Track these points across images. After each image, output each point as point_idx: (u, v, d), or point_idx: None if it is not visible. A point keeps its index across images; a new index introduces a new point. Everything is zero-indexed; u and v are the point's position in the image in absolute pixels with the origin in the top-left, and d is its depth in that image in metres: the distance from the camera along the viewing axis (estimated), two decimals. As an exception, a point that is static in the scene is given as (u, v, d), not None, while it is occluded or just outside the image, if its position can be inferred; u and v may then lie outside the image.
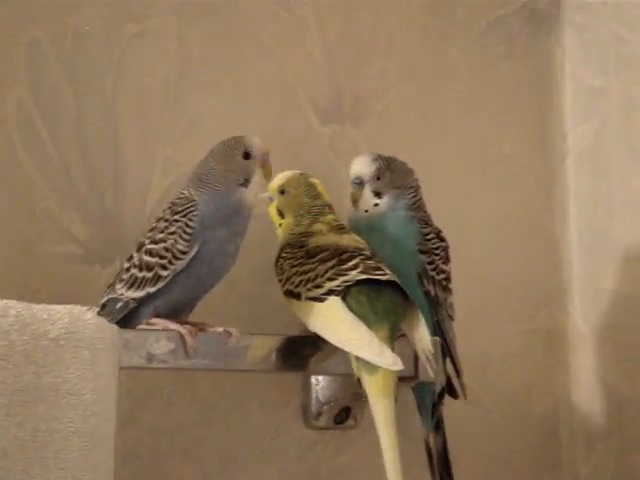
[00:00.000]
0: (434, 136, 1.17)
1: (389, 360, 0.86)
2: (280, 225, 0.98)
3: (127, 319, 0.88)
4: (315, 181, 0.98)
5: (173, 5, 1.02)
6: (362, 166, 1.02)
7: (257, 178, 0.91)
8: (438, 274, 1.00)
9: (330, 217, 0.96)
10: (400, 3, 1.16)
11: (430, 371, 0.91)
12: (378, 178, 1.01)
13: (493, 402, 1.16)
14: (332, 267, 0.90)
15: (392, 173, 1.01)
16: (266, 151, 0.92)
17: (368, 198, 1.01)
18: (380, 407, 0.87)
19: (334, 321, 0.88)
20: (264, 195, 0.97)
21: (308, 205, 0.97)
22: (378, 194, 1.01)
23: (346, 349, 0.88)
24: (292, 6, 1.09)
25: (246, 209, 0.90)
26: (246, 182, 0.90)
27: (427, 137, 1.16)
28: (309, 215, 0.96)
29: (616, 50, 1.21)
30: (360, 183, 1.01)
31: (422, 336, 0.91)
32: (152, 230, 0.89)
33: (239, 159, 0.91)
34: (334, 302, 0.88)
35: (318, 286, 0.89)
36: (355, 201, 1.01)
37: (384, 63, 1.14)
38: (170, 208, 0.89)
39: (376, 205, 1.01)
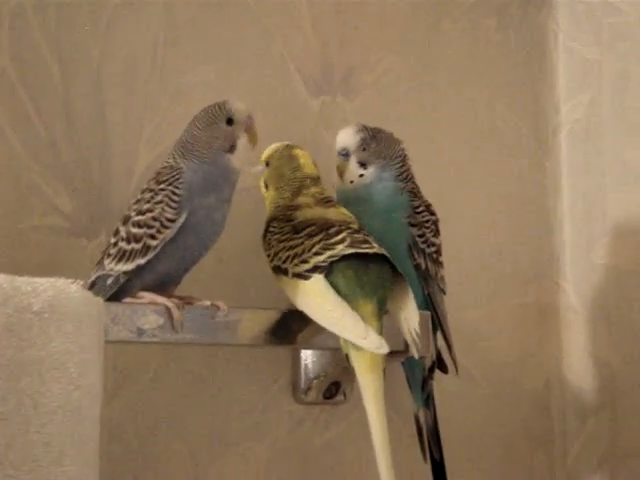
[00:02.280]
0: (425, 108, 1.16)
1: (374, 343, 0.85)
2: (267, 198, 0.97)
3: (115, 294, 0.87)
4: (299, 152, 0.97)
5: (159, -27, 1.01)
6: (347, 137, 1.01)
7: (242, 143, 0.90)
8: (428, 247, 0.99)
9: (314, 190, 0.95)
10: (392, -28, 1.15)
11: (415, 352, 0.90)
12: (364, 149, 1.00)
13: (484, 377, 1.15)
14: (319, 241, 0.89)
15: (378, 143, 1.00)
16: (249, 114, 0.91)
17: (353, 169, 1.00)
18: (368, 382, 0.86)
19: (318, 300, 0.87)
20: (257, 168, 0.96)
21: (287, 177, 0.96)
22: (363, 165, 1.00)
23: (331, 330, 0.87)
24: (281, -26, 1.08)
25: (233, 175, 0.89)
26: (232, 148, 0.90)
27: (418, 109, 1.15)
28: (289, 188, 0.95)
29: (610, 21, 1.20)
30: (346, 154, 1.01)
31: (409, 316, 0.90)
32: (138, 202, 0.88)
33: (222, 125, 0.90)
34: (318, 280, 0.87)
35: (304, 261, 0.88)
36: (341, 172, 1.01)
37: (375, 34, 1.13)
38: (155, 178, 0.88)
39: (361, 176, 1.00)
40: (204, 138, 0.89)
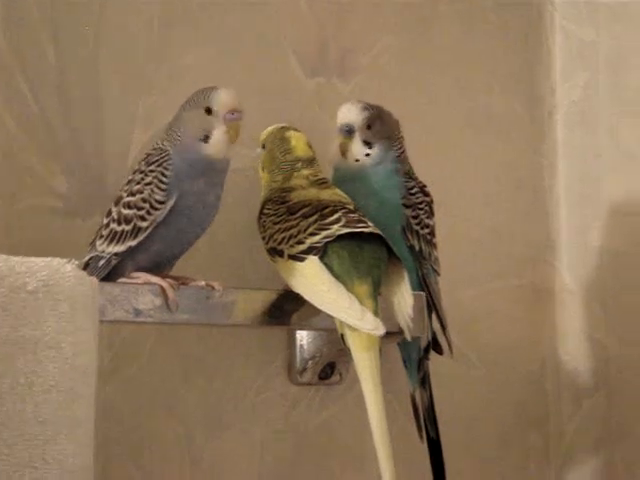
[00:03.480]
0: (421, 89, 1.15)
1: (370, 324, 0.85)
2: (262, 180, 0.97)
3: (110, 274, 0.87)
4: (292, 134, 0.96)
5: (155, -47, 1.00)
6: (352, 114, 0.99)
7: (219, 134, 0.87)
8: (422, 228, 0.99)
9: (305, 172, 0.95)
10: (388, -47, 1.15)
11: (408, 336, 0.90)
12: (368, 127, 0.99)
13: (479, 358, 1.16)
14: (314, 222, 0.89)
15: (382, 123, 1.00)
16: (234, 108, 0.87)
17: (359, 147, 0.99)
18: (365, 362, 0.86)
19: (314, 282, 0.87)
20: (256, 151, 0.97)
21: (279, 160, 0.95)
22: (368, 144, 0.99)
23: (327, 311, 0.87)
24: (277, -45, 1.08)
25: (217, 163, 0.87)
26: (206, 138, 0.87)
27: (414, 90, 1.15)
28: (280, 171, 0.95)
29: (605, 1, 1.20)
30: (349, 131, 0.99)
31: (403, 298, 0.90)
32: (129, 183, 0.87)
33: (201, 113, 0.87)
34: (313, 262, 0.87)
35: (300, 242, 0.88)
36: (344, 149, 0.99)
37: (371, 14, 1.13)
38: (145, 159, 0.88)
39: (367, 155, 0.99)
40: (183, 122, 0.88)
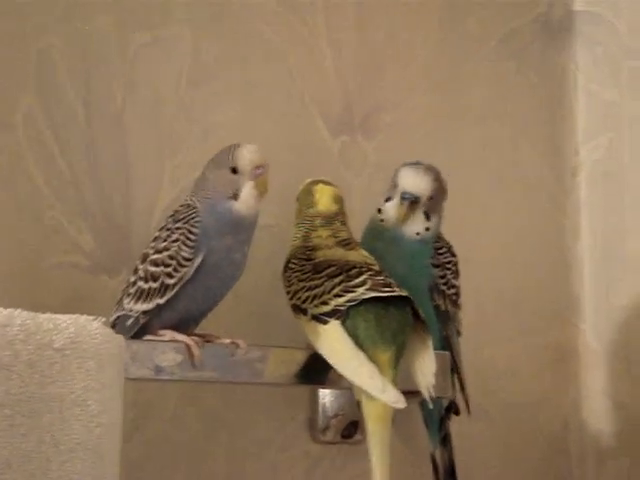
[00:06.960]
0: (445, 150, 1.16)
1: (392, 398, 0.84)
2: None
3: (136, 332, 0.87)
4: (317, 188, 0.96)
5: (185, 13, 1.01)
6: (422, 184, 0.97)
7: (248, 191, 0.87)
8: (449, 289, 0.99)
9: (325, 233, 0.94)
10: (413, 15, 1.16)
11: (430, 402, 0.89)
12: (431, 198, 0.97)
13: (502, 418, 1.15)
14: (339, 283, 0.88)
15: (441, 193, 0.98)
16: (259, 164, 0.87)
17: (420, 221, 0.97)
18: (377, 431, 0.86)
19: (336, 347, 0.87)
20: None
21: (303, 214, 0.96)
22: (428, 216, 0.98)
23: (348, 378, 0.86)
24: (304, 15, 1.09)
25: (246, 220, 0.88)
26: (235, 196, 0.87)
27: (438, 151, 1.15)
28: (303, 226, 0.95)
29: (628, 64, 1.21)
30: (415, 201, 0.97)
31: (426, 366, 0.89)
32: (155, 240, 0.88)
33: (227, 172, 0.88)
34: (335, 327, 0.87)
35: (324, 303, 0.88)
36: (405, 217, 0.97)
37: (396, 75, 1.14)
38: (172, 216, 0.88)
39: (427, 229, 0.98)
40: (211, 181, 0.88)
